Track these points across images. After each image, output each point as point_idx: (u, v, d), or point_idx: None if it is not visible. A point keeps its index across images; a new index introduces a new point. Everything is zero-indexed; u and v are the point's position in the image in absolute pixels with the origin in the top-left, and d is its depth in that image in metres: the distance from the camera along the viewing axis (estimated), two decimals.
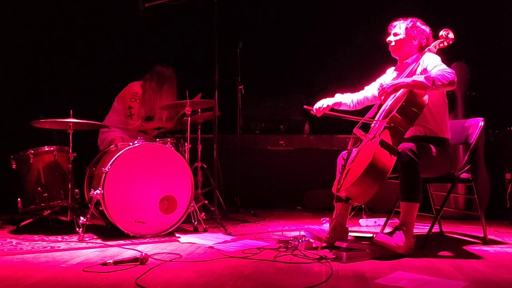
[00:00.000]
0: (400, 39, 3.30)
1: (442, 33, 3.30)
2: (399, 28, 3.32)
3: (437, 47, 3.29)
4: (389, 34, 3.37)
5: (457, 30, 3.35)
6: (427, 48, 3.28)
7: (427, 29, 3.33)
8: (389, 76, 3.50)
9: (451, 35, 3.28)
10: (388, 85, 3.07)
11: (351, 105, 3.55)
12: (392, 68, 3.52)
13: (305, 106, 3.46)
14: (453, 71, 3.00)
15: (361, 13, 5.66)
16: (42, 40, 5.32)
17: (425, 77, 2.98)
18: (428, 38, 3.32)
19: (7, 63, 5.06)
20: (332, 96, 3.56)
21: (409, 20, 3.32)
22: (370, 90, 3.56)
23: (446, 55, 3.40)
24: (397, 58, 3.42)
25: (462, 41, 3.96)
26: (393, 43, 3.34)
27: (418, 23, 3.31)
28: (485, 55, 5.22)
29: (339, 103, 3.51)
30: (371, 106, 3.50)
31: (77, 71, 5.52)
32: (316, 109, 3.42)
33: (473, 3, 5.30)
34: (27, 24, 5.23)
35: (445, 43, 3.30)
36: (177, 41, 6.02)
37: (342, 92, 3.57)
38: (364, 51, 5.31)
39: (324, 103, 3.44)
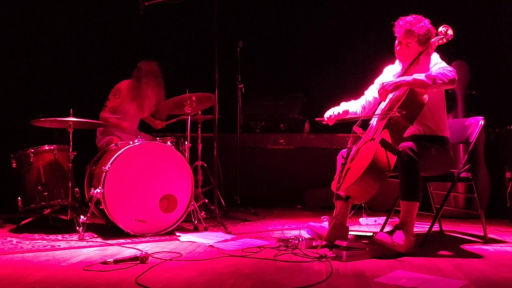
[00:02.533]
0: (410, 49, 3.24)
1: (441, 29, 3.29)
2: (411, 38, 3.20)
3: (436, 43, 3.29)
4: (399, 36, 3.25)
5: (457, 28, 3.34)
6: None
7: (432, 28, 3.27)
8: (387, 74, 3.49)
9: (450, 32, 3.27)
10: (389, 83, 3.07)
11: (358, 111, 3.51)
12: (390, 66, 3.51)
13: (316, 119, 3.46)
14: (454, 70, 3.00)
15: (362, 12, 5.65)
16: (42, 39, 5.31)
17: (426, 75, 2.98)
18: (433, 37, 3.29)
19: (7, 62, 5.06)
20: (333, 96, 3.55)
21: (419, 26, 3.19)
22: (370, 94, 3.53)
23: (446, 53, 3.39)
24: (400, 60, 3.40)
25: (462, 40, 3.96)
26: (403, 51, 3.27)
27: (427, 29, 3.20)
28: (485, 54, 5.22)
29: (347, 111, 3.48)
30: None
31: (77, 70, 5.53)
32: (327, 118, 3.40)
33: (473, 2, 5.30)
34: (26, 23, 5.23)
35: (444, 40, 3.29)
36: (177, 39, 6.02)
37: (345, 99, 3.56)
38: (364, 51, 5.30)
39: (335, 111, 3.40)
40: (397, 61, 3.43)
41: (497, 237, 3.58)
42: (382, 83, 3.10)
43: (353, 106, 3.51)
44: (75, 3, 5.52)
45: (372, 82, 3.58)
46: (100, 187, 3.44)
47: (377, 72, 3.61)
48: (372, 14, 5.35)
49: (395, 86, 3.04)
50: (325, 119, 3.40)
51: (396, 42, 3.30)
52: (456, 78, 2.98)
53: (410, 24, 3.21)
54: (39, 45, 5.33)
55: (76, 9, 5.52)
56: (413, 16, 3.25)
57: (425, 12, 3.35)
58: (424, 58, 3.22)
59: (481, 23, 5.21)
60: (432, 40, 3.28)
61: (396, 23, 3.28)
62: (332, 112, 3.41)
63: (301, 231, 3.45)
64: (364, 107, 3.54)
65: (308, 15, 6.02)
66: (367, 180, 2.86)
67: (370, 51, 4.83)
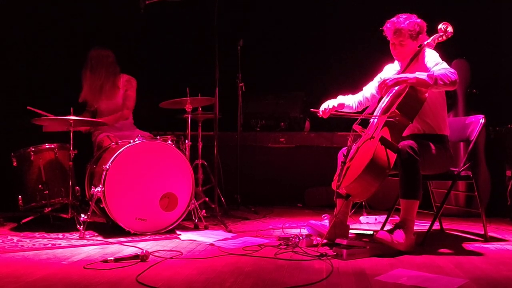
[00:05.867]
0: (406, 47, 3.24)
1: (441, 26, 3.29)
2: (402, 36, 3.21)
3: (436, 41, 3.28)
4: (391, 38, 3.26)
5: (458, 27, 3.33)
6: (425, 42, 3.26)
7: (421, 21, 3.26)
8: (387, 72, 3.49)
9: (450, 29, 3.27)
10: (390, 78, 3.07)
11: (354, 106, 3.53)
12: (390, 64, 3.51)
13: (312, 110, 3.46)
14: (455, 71, 2.99)
15: (361, 10, 5.64)
16: (42, 38, 5.31)
17: (428, 75, 2.98)
18: (424, 30, 3.29)
19: (7, 60, 5.05)
20: (333, 95, 3.56)
21: (406, 23, 3.20)
22: (368, 90, 3.55)
23: (447, 51, 3.39)
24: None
25: (462, 38, 3.95)
26: (399, 51, 3.27)
27: (415, 23, 3.21)
28: (486, 52, 5.22)
29: (342, 105, 3.49)
30: None
31: (77, 69, 5.52)
32: (322, 111, 3.42)
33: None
34: (27, 22, 5.22)
35: (444, 37, 3.29)
36: (178, 38, 6.02)
37: (344, 94, 3.57)
38: (363, 49, 5.30)
39: (330, 104, 3.43)
40: (396, 61, 3.44)
41: (498, 236, 3.58)
42: (384, 78, 3.11)
43: (349, 100, 3.53)
44: (76, 2, 5.51)
45: (372, 79, 3.59)
46: (100, 186, 3.44)
47: (378, 70, 3.61)
48: (372, 12, 5.33)
49: (396, 82, 3.05)
50: (320, 112, 3.42)
51: (390, 44, 3.31)
52: (458, 80, 2.99)
53: (397, 23, 3.23)
54: (40, 43, 5.32)
55: (77, 7, 5.51)
56: (398, 15, 3.27)
57: (426, 8, 3.35)
58: (421, 55, 3.22)
59: (482, 21, 5.20)
60: (432, 37, 3.28)
61: (384, 28, 3.29)
62: (327, 105, 3.43)
63: (301, 229, 3.45)
64: (360, 103, 3.54)
65: (309, 14, 6.01)
66: (366, 178, 2.86)
67: (371, 49, 4.80)
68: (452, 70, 3.00)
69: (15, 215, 3.99)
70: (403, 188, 3.02)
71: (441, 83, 2.95)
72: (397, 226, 2.98)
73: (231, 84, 4.94)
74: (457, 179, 3.36)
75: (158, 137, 3.96)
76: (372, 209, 4.79)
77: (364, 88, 3.58)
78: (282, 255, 2.83)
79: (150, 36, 5.95)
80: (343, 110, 3.49)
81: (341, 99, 3.52)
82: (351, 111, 3.52)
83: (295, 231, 3.53)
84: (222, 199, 4.55)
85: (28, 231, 3.61)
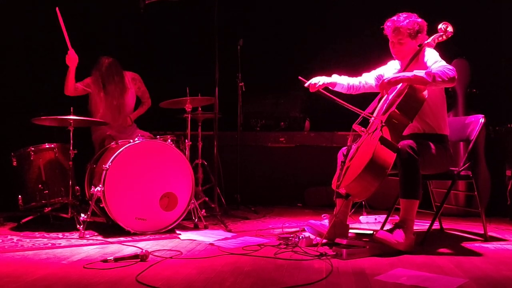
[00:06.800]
0: (404, 46, 3.25)
1: (441, 26, 3.29)
2: (401, 34, 3.22)
3: (436, 41, 3.28)
4: (390, 36, 3.27)
5: (458, 26, 3.33)
6: (426, 42, 3.26)
7: (421, 21, 3.27)
8: (390, 68, 3.49)
9: (450, 29, 3.27)
10: (389, 77, 3.08)
11: (345, 88, 3.52)
12: (393, 61, 3.51)
13: (299, 77, 3.43)
14: (454, 68, 3.00)
15: (362, 11, 5.64)
16: (42, 37, 5.30)
17: (426, 73, 2.98)
18: (424, 29, 3.30)
19: (7, 60, 5.05)
20: (333, 94, 3.56)
21: (406, 22, 3.21)
22: (366, 78, 3.55)
23: (447, 51, 3.39)
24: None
25: (463, 38, 3.95)
26: (398, 50, 3.28)
27: (414, 22, 3.22)
28: (486, 51, 5.22)
29: (335, 83, 3.49)
30: (370, 99, 3.50)
31: (77, 68, 5.52)
32: (311, 84, 3.41)
33: None
34: (27, 22, 5.22)
35: (444, 37, 3.29)
36: (178, 38, 6.01)
37: (340, 74, 3.56)
38: (365, 49, 5.30)
39: (321, 80, 3.42)
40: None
41: (498, 235, 3.58)
42: (383, 79, 3.12)
43: (343, 80, 3.52)
44: (75, 1, 5.51)
45: (373, 69, 3.59)
46: (100, 185, 3.44)
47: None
48: (373, 13, 5.33)
49: (394, 81, 3.06)
50: (308, 83, 3.41)
51: (390, 42, 3.31)
52: (456, 77, 2.99)
53: (397, 22, 3.24)
54: (39, 43, 5.32)
55: (76, 7, 5.51)
56: (399, 14, 3.28)
57: (426, 7, 3.35)
58: (421, 54, 3.22)
59: (482, 21, 5.20)
60: (432, 37, 3.28)
61: (384, 26, 3.31)
62: (318, 80, 3.42)
63: (301, 228, 3.45)
64: (354, 87, 3.53)
65: (309, 14, 6.01)
66: (366, 178, 2.86)
67: (371, 50, 4.81)
68: (450, 67, 3.01)
69: (15, 215, 4.00)
70: (403, 188, 3.02)
71: (440, 80, 2.95)
72: (397, 226, 2.98)
73: (231, 84, 4.94)
74: (457, 178, 3.35)
75: (158, 137, 3.96)
76: (372, 209, 4.79)
77: (364, 75, 3.58)
78: (281, 255, 2.83)
79: (150, 36, 5.95)
80: (334, 89, 3.49)
81: (335, 78, 3.51)
82: (341, 91, 3.51)
83: (295, 230, 3.53)
84: (222, 198, 4.55)
85: (28, 231, 3.61)
